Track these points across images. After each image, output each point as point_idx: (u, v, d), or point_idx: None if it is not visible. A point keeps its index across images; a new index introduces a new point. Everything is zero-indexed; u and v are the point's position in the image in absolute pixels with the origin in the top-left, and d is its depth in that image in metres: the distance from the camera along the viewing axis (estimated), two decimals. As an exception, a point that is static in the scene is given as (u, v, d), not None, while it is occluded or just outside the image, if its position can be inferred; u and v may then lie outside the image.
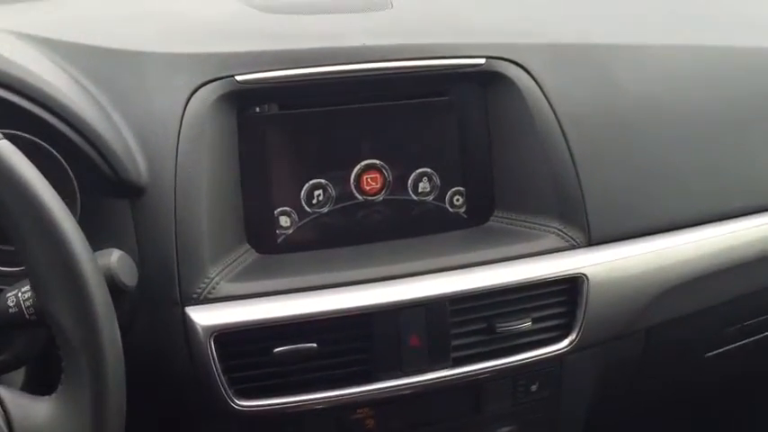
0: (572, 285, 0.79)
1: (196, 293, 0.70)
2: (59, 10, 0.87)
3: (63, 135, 0.67)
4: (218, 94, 0.73)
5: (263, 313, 0.70)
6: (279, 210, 0.78)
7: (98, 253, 0.64)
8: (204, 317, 0.69)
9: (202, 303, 0.70)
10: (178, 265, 0.69)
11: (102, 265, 0.62)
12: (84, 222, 0.69)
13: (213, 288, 0.70)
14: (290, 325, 0.71)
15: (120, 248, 0.68)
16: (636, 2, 0.98)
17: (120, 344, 0.54)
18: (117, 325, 0.54)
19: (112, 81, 0.73)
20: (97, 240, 0.68)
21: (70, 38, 0.77)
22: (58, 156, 0.70)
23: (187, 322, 0.69)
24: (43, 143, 0.69)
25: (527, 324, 0.77)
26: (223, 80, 0.73)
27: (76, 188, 0.71)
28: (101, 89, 0.73)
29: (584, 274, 0.78)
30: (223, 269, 0.72)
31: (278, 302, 0.71)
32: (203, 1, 0.92)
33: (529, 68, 0.81)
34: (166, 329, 0.70)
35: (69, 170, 0.70)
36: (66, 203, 0.68)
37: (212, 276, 0.71)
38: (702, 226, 0.86)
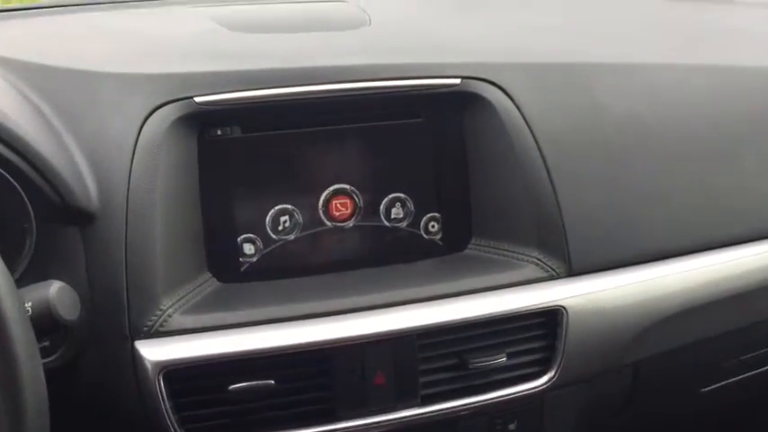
0: (550, 318, 0.74)
1: (147, 326, 0.66)
2: (20, 29, 0.84)
3: (7, 160, 0.64)
4: (175, 116, 0.70)
5: (217, 348, 0.66)
6: (242, 237, 0.74)
7: (37, 285, 0.61)
8: (154, 351, 0.65)
9: (153, 337, 0.66)
10: (128, 297, 0.66)
11: (40, 297, 0.59)
12: (39, 250, 0.67)
13: (165, 321, 0.66)
14: (246, 360, 0.67)
15: (71, 278, 0.66)
16: (619, 21, 0.94)
17: (44, 383, 0.50)
18: (40, 364, 0.51)
19: (67, 102, 0.70)
20: (49, 269, 0.66)
21: (27, 57, 0.74)
22: (12, 180, 0.67)
23: (136, 357, 0.65)
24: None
25: (502, 359, 0.73)
26: (181, 101, 0.70)
27: (31, 214, 0.68)
28: (54, 110, 0.70)
29: (564, 307, 0.74)
30: (178, 300, 0.68)
31: (234, 336, 0.67)
32: (175, 20, 0.89)
33: (506, 89, 0.77)
34: (115, 364, 0.66)
35: (23, 195, 0.67)
36: (24, 229, 0.66)
37: (165, 308, 0.67)
38: (693, 255, 0.82)
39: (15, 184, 0.66)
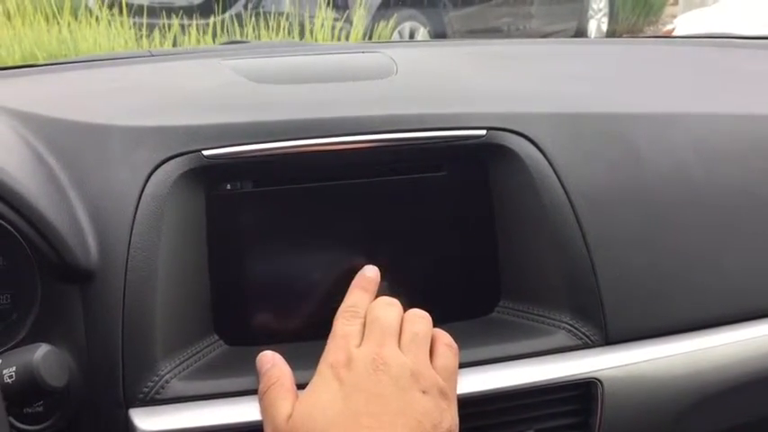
0: (584, 392, 0.68)
1: (142, 393, 0.62)
2: (41, 85, 0.84)
3: (9, 219, 0.62)
4: (182, 170, 0.67)
5: (218, 417, 0.62)
6: (253, 297, 0.70)
7: (24, 348, 0.58)
8: (148, 421, 0.61)
9: (149, 405, 0.62)
10: (123, 361, 0.62)
11: (25, 362, 0.56)
12: (43, 308, 0.64)
13: (162, 387, 0.62)
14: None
15: (69, 340, 0.63)
16: (652, 69, 0.89)
17: None
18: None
19: (75, 156, 0.68)
20: (51, 329, 0.63)
21: (42, 111, 0.73)
22: (20, 238, 0.65)
23: (129, 426, 0.61)
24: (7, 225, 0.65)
25: (530, 437, 0.66)
26: (188, 155, 0.67)
27: (36, 272, 0.65)
28: (62, 164, 0.67)
29: (599, 379, 0.67)
30: (179, 365, 0.64)
31: (237, 405, 0.62)
32: (193, 72, 0.88)
33: (535, 140, 0.72)
34: (109, 434, 0.62)
35: (30, 253, 0.65)
36: (34, 287, 0.64)
37: (162, 374, 0.63)
38: (747, 322, 0.74)
39: (23, 242, 0.64)
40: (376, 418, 0.56)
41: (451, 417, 0.60)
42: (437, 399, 0.59)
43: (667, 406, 0.70)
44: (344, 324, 0.63)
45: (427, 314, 0.65)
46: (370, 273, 0.67)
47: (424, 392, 0.59)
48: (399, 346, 0.61)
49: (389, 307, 0.64)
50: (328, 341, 0.62)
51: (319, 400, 0.58)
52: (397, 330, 0.63)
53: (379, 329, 0.62)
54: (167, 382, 0.63)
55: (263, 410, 0.61)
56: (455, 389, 0.62)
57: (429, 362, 0.62)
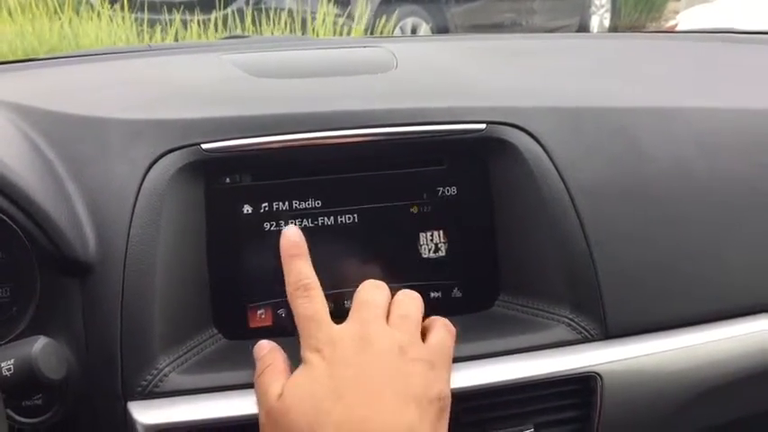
0: (584, 386, 0.67)
1: (141, 386, 0.62)
2: (40, 79, 0.83)
3: (9, 212, 0.62)
4: (181, 164, 0.66)
5: (216, 410, 0.61)
6: (252, 291, 0.70)
7: (23, 341, 0.58)
8: (146, 414, 0.61)
9: (147, 398, 0.62)
10: (121, 354, 0.62)
11: (23, 355, 0.56)
12: (43, 301, 0.64)
13: (161, 380, 0.62)
14: (246, 425, 0.61)
15: (68, 333, 0.63)
16: (654, 63, 0.88)
17: None
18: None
19: (74, 149, 0.68)
20: (50, 322, 0.63)
21: (41, 104, 0.72)
22: (20, 232, 0.65)
23: (128, 419, 0.61)
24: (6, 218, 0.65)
25: (529, 431, 0.66)
26: (187, 148, 0.67)
27: (35, 265, 0.65)
28: (61, 158, 0.67)
29: (598, 373, 0.67)
30: (177, 358, 0.64)
31: (235, 398, 0.62)
32: (194, 67, 0.88)
33: (536, 134, 0.71)
34: (108, 426, 0.62)
35: (29, 246, 0.65)
36: (33, 279, 0.64)
37: (161, 367, 0.63)
38: (748, 317, 0.73)
39: (22, 235, 0.64)
40: (363, 391, 0.56)
41: (441, 386, 0.59)
42: (426, 369, 0.59)
43: (667, 400, 0.70)
44: (304, 302, 0.61)
45: (418, 295, 0.64)
46: (293, 235, 0.64)
47: (412, 363, 0.58)
48: (387, 324, 0.61)
49: (377, 289, 0.63)
50: (297, 324, 0.61)
51: (307, 379, 0.57)
52: (385, 311, 0.62)
53: (365, 310, 0.61)
54: (166, 375, 0.63)
55: (257, 394, 0.60)
56: (448, 363, 0.61)
57: (419, 338, 0.61)
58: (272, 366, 0.61)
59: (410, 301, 0.63)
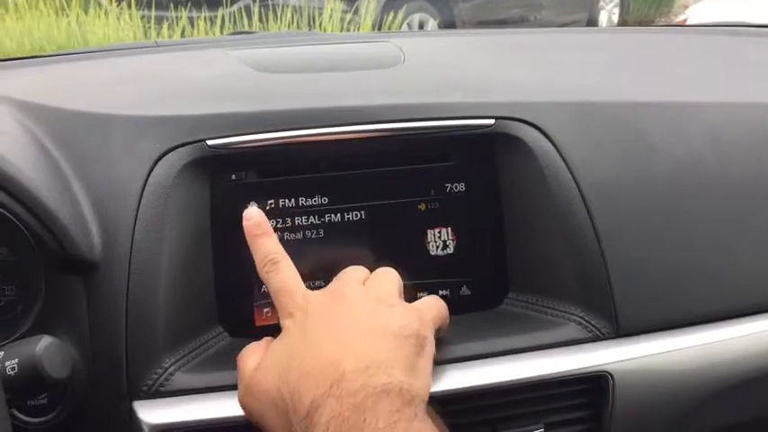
0: (595, 385, 0.66)
1: (146, 385, 0.61)
2: (46, 76, 0.83)
3: (14, 211, 0.61)
4: (186, 160, 0.66)
5: (221, 410, 0.61)
6: (257, 289, 0.69)
7: (27, 340, 0.57)
8: (151, 413, 0.60)
9: (153, 397, 0.61)
10: (126, 353, 0.61)
11: (27, 354, 0.55)
12: (48, 300, 0.63)
13: (166, 380, 0.62)
14: (254, 426, 0.61)
15: (73, 332, 0.62)
16: (665, 58, 0.87)
17: None
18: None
19: (79, 146, 0.67)
20: (55, 321, 0.62)
21: (46, 101, 0.72)
22: (24, 230, 0.64)
23: (133, 419, 0.60)
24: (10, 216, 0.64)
25: (539, 430, 0.65)
26: (192, 145, 0.66)
27: (40, 264, 0.65)
28: (65, 154, 0.67)
29: (609, 372, 0.66)
30: (183, 357, 0.63)
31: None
32: (200, 63, 0.87)
33: (545, 130, 0.70)
34: (113, 426, 0.61)
35: (33, 244, 0.64)
36: (38, 278, 0.63)
37: (166, 366, 0.62)
38: (759, 315, 0.72)
39: (27, 233, 0.63)
40: (334, 337, 0.55)
41: (419, 327, 0.57)
42: (404, 311, 0.58)
43: (679, 399, 0.69)
44: (273, 275, 0.61)
45: (394, 271, 0.63)
46: (254, 216, 0.63)
47: (388, 307, 0.58)
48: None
49: (355, 269, 0.63)
50: (273, 300, 0.61)
51: (281, 343, 0.57)
52: (362, 281, 0.61)
53: (342, 277, 0.61)
54: (171, 374, 0.62)
55: (237, 370, 0.60)
56: (432, 318, 0.61)
57: (399, 297, 0.61)
58: (250, 345, 0.61)
59: (387, 273, 0.63)
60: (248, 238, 0.63)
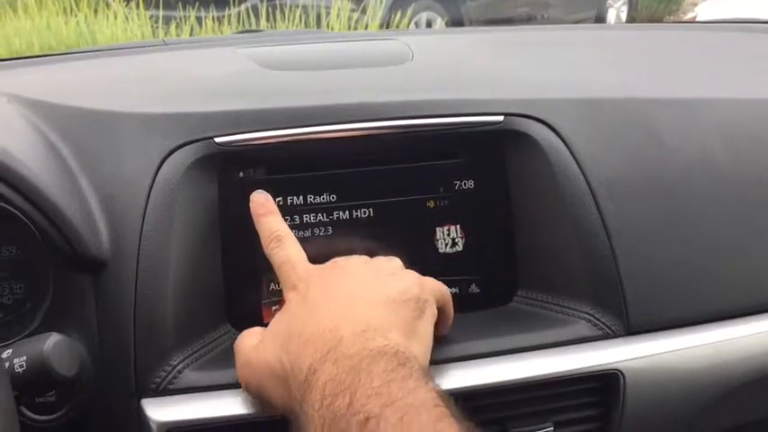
0: (605, 383, 0.66)
1: (155, 383, 0.61)
2: (54, 75, 0.83)
3: (23, 210, 0.61)
4: (194, 158, 0.66)
5: (230, 408, 0.60)
6: (266, 287, 0.69)
7: (36, 337, 0.57)
8: (160, 411, 0.60)
9: (161, 395, 0.61)
10: (135, 351, 0.61)
11: (35, 351, 0.55)
12: (56, 298, 0.63)
13: (175, 377, 0.61)
14: (261, 422, 0.61)
15: (81, 329, 0.62)
16: (680, 54, 0.86)
17: None
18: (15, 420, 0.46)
19: (86, 143, 0.67)
20: (63, 319, 0.62)
21: (54, 99, 0.72)
22: (33, 228, 0.64)
23: (141, 416, 0.60)
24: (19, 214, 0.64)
25: (548, 429, 0.64)
26: (200, 142, 0.66)
27: (49, 262, 0.64)
28: (73, 152, 0.67)
29: (620, 370, 0.65)
30: (191, 355, 0.63)
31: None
32: (208, 61, 0.87)
33: (555, 127, 0.70)
34: (120, 424, 0.61)
35: (42, 242, 0.64)
36: (47, 276, 0.63)
37: (175, 364, 0.62)
38: (772, 313, 0.72)
39: (35, 231, 0.63)
40: (333, 305, 0.55)
41: (419, 291, 0.58)
42: (403, 275, 0.59)
43: (690, 398, 0.68)
44: (277, 250, 0.62)
45: (397, 259, 0.64)
46: (259, 197, 0.65)
47: (389, 275, 0.59)
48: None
49: (359, 256, 0.63)
50: (277, 274, 0.62)
51: (283, 316, 0.58)
52: (363, 260, 0.62)
53: (342, 257, 0.62)
54: (180, 372, 0.62)
55: (235, 350, 0.60)
56: (432, 288, 0.61)
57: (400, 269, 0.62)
58: (248, 330, 0.61)
59: (390, 259, 0.63)
60: (254, 218, 0.65)
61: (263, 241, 0.63)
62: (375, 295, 0.56)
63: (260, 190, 0.66)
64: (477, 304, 0.72)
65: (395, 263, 0.63)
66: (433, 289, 0.61)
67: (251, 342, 0.59)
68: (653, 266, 0.69)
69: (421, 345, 0.56)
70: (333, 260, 0.62)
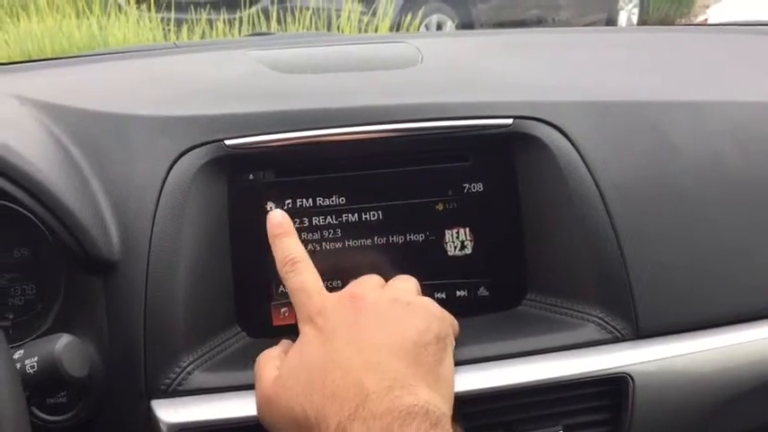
0: (614, 387, 0.66)
1: (164, 384, 0.62)
2: (65, 77, 0.84)
3: (35, 212, 0.62)
4: (204, 160, 0.66)
5: (240, 409, 0.61)
6: (276, 288, 0.69)
7: (47, 338, 0.58)
8: (170, 412, 0.60)
9: (171, 396, 0.61)
10: (145, 352, 0.61)
11: (46, 352, 0.55)
12: (67, 299, 0.63)
13: (185, 378, 0.62)
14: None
15: (92, 331, 0.62)
16: (690, 56, 0.86)
17: None
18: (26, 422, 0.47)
19: (98, 146, 0.68)
20: (74, 320, 0.63)
21: (65, 101, 0.72)
22: (45, 230, 0.64)
23: (151, 417, 0.61)
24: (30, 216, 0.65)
25: (558, 433, 0.65)
26: (211, 144, 0.66)
27: (60, 263, 0.65)
28: (84, 154, 0.67)
29: (629, 374, 0.65)
30: (201, 356, 0.64)
31: (258, 397, 0.62)
32: (218, 63, 0.87)
33: (564, 130, 0.70)
34: (132, 425, 0.62)
35: (53, 243, 0.65)
36: (58, 278, 0.63)
37: (185, 365, 0.62)
38: (783, 317, 0.71)
39: (47, 233, 0.63)
40: (356, 346, 0.54)
41: (437, 326, 0.58)
42: (421, 310, 0.58)
43: (699, 402, 0.68)
44: (293, 275, 0.61)
45: (413, 278, 0.63)
46: (277, 217, 0.64)
47: (407, 306, 0.58)
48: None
49: (372, 276, 0.63)
50: (292, 300, 0.61)
51: (301, 354, 0.57)
52: (379, 286, 0.61)
53: (358, 283, 0.61)
54: (189, 373, 0.62)
55: (255, 379, 0.60)
56: (448, 320, 0.61)
57: (415, 293, 0.61)
58: (266, 352, 0.61)
59: (406, 280, 0.63)
60: (270, 238, 0.64)
61: (277, 264, 0.62)
62: (398, 340, 0.55)
63: (278, 209, 0.66)
64: (485, 307, 0.71)
65: (410, 286, 0.62)
66: (447, 318, 0.61)
67: (270, 372, 0.58)
68: (663, 270, 0.68)
69: (445, 393, 0.56)
70: (348, 287, 0.61)
